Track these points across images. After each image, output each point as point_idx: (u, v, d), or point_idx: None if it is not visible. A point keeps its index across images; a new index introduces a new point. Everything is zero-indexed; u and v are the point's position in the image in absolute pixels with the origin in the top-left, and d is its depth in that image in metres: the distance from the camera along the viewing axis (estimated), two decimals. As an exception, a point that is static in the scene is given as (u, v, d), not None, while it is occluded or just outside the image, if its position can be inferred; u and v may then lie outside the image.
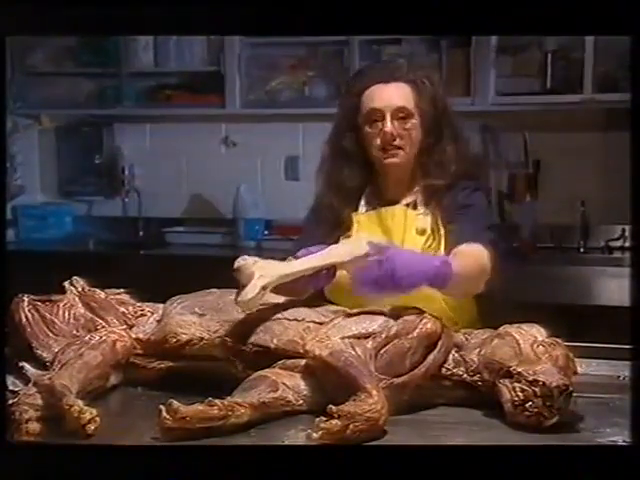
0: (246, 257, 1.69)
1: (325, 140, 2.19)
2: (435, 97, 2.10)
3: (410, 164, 2.11)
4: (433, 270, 1.74)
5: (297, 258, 1.76)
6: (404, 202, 2.13)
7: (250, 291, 1.63)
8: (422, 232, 2.07)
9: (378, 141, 2.08)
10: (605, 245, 3.95)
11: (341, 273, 2.04)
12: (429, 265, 1.76)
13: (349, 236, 2.07)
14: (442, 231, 2.06)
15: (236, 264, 1.67)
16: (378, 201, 2.14)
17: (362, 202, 2.15)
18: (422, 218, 2.08)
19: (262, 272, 1.65)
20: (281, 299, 1.83)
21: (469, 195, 2.10)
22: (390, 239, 2.00)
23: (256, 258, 1.69)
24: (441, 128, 2.10)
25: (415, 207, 2.11)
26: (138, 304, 1.92)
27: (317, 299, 1.95)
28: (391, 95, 2.07)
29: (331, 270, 1.77)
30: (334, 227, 2.10)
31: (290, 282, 1.71)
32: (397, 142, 2.07)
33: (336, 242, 2.06)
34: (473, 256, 1.92)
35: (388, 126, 2.05)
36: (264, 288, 1.65)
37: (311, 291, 1.99)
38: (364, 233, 2.02)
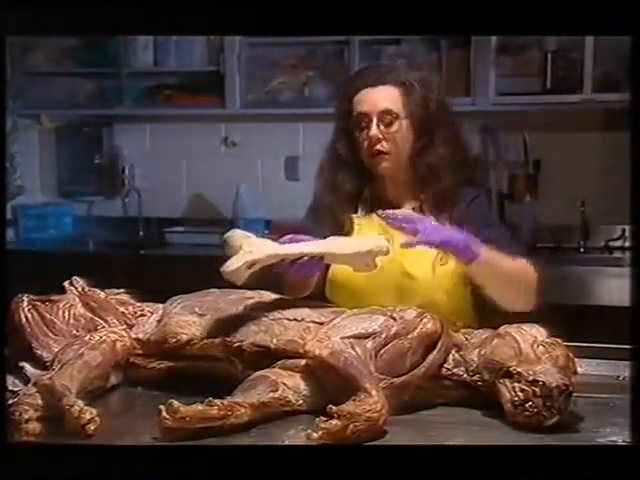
0: (236, 230, 1.70)
1: (326, 144, 2.18)
2: (427, 99, 2.06)
3: (404, 167, 2.08)
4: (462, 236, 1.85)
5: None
6: (408, 206, 2.09)
7: (234, 262, 1.62)
8: None
9: (365, 145, 2.06)
10: (605, 245, 3.95)
11: (338, 272, 2.04)
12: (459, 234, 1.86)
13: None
14: None
15: (224, 236, 1.68)
16: (380, 205, 2.06)
17: (361, 205, 2.12)
18: None
19: (251, 247, 1.64)
20: (281, 299, 1.83)
21: (482, 207, 2.11)
22: (393, 243, 1.88)
23: (248, 233, 1.69)
24: (435, 130, 2.06)
25: (421, 211, 2.06)
26: (138, 304, 1.92)
27: (317, 299, 1.95)
28: (377, 98, 2.05)
29: (320, 262, 1.76)
30: (333, 229, 2.02)
31: (275, 264, 1.70)
32: (382, 147, 2.04)
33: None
34: (520, 264, 1.99)
35: (373, 130, 2.03)
36: (252, 264, 1.63)
37: (307, 289, 1.97)
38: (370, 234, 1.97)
